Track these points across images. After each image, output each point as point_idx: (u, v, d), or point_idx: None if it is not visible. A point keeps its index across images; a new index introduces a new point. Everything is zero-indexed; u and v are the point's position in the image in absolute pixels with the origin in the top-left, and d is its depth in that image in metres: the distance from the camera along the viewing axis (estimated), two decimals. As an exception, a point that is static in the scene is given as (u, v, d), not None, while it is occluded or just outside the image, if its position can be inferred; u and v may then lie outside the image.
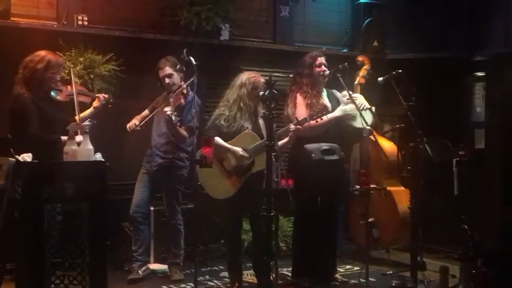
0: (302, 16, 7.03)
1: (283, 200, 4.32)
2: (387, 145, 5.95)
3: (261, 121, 4.88)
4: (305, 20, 7.05)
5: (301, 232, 5.18)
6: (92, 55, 5.57)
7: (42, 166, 3.92)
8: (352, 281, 5.30)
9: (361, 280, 5.04)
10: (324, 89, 5.25)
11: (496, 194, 5.70)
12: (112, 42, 5.75)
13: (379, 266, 5.74)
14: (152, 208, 5.59)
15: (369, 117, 5.11)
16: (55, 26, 5.66)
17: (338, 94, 5.28)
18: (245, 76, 4.96)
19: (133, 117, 5.29)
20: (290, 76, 5.43)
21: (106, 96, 5.01)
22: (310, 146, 4.91)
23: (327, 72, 5.15)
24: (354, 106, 5.03)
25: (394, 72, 4.97)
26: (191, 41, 5.91)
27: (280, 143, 4.77)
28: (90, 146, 4.06)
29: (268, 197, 3.89)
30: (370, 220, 5.01)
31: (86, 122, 4.39)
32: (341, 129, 5.14)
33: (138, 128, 5.18)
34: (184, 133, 5.21)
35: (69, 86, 4.80)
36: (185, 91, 5.26)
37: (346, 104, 5.14)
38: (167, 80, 5.27)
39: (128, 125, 5.22)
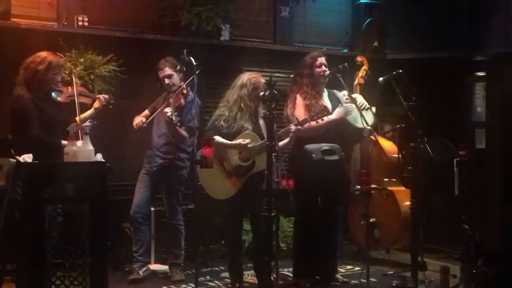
0: (302, 16, 7.03)
1: (284, 201, 4.32)
2: (388, 145, 5.95)
3: (261, 122, 4.88)
4: (305, 21, 7.05)
5: (301, 232, 5.18)
6: (92, 55, 5.58)
7: (42, 167, 3.92)
8: (353, 281, 5.30)
9: (362, 280, 5.04)
10: (325, 89, 5.25)
11: (496, 194, 5.68)
12: (112, 43, 5.75)
13: (380, 266, 5.74)
14: (152, 209, 5.59)
15: (370, 117, 5.11)
16: (55, 27, 5.66)
17: (339, 94, 5.28)
18: (245, 77, 4.96)
19: (134, 117, 5.28)
20: (291, 76, 5.43)
21: (107, 96, 5.01)
22: (310, 147, 4.91)
23: (328, 72, 5.15)
24: (355, 106, 5.04)
25: (394, 72, 4.98)
26: (191, 41, 5.91)
27: (280, 143, 4.77)
28: (91, 147, 4.06)
29: (269, 197, 3.89)
30: (371, 220, 5.01)
31: (87, 123, 4.40)
32: (341, 130, 5.14)
33: (145, 125, 5.17)
34: (184, 133, 5.21)
35: (69, 87, 4.81)
36: (185, 92, 5.26)
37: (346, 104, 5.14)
38: (166, 81, 5.27)
39: (134, 123, 5.19)
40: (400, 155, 5.37)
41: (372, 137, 5.19)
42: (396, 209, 5.80)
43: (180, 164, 5.33)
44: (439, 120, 6.27)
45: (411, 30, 7.04)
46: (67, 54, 5.44)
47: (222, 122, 4.87)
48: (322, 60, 5.17)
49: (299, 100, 5.09)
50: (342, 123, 5.12)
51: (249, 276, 5.36)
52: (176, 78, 5.27)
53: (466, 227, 4.69)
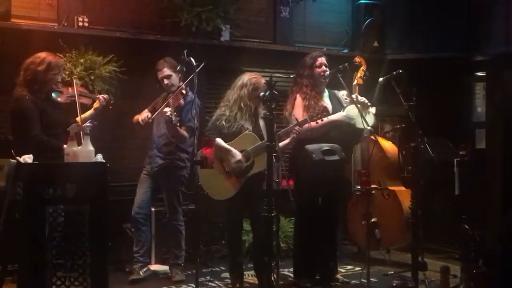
0: (302, 16, 7.03)
1: (284, 201, 4.32)
2: (388, 146, 5.95)
3: (261, 122, 4.88)
4: (305, 21, 7.05)
5: (302, 233, 5.18)
6: (92, 56, 5.58)
7: (43, 168, 3.92)
8: (353, 281, 5.30)
9: (362, 280, 5.04)
10: (326, 90, 5.25)
11: (496, 194, 5.69)
12: (112, 43, 5.75)
13: (380, 266, 5.74)
14: (153, 209, 5.59)
15: (370, 118, 5.11)
16: (55, 27, 5.66)
17: (339, 94, 5.28)
18: (246, 77, 4.96)
19: (134, 118, 5.28)
20: (291, 77, 5.43)
21: (107, 97, 5.01)
22: (311, 147, 4.91)
23: (328, 72, 5.14)
24: (356, 109, 5.03)
25: (394, 72, 4.97)
26: (191, 42, 5.91)
27: (281, 144, 4.77)
28: (91, 147, 4.06)
29: (269, 197, 3.89)
30: (372, 220, 5.01)
31: (87, 124, 4.39)
32: (342, 130, 5.14)
33: (151, 120, 5.16)
34: (184, 133, 5.21)
35: (70, 88, 4.82)
36: (184, 92, 5.26)
37: (347, 105, 5.13)
38: (165, 81, 5.27)
39: (140, 119, 5.16)
40: (400, 155, 5.36)
41: (372, 137, 5.19)
42: (398, 209, 5.79)
43: (180, 164, 5.33)
44: (439, 120, 6.28)
45: (411, 30, 7.04)
46: (67, 54, 5.44)
47: (223, 122, 4.88)
48: (322, 60, 5.17)
49: (298, 100, 5.09)
50: (342, 124, 5.12)
51: (250, 276, 5.36)
52: (175, 78, 5.27)
53: (466, 227, 4.68)
